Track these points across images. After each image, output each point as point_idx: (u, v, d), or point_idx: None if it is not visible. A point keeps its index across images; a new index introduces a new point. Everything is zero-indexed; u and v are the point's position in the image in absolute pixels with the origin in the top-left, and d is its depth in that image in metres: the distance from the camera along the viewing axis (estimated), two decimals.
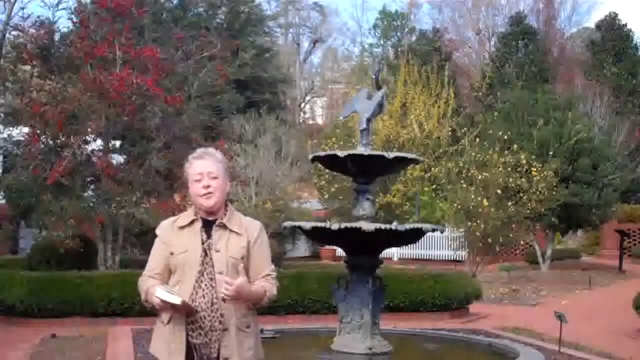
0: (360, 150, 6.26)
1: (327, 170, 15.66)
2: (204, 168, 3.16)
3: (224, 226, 3.17)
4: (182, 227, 3.18)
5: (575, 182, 18.85)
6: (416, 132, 22.99)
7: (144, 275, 3.20)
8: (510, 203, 16.56)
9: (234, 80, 23.47)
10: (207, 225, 3.17)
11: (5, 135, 13.84)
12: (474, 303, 11.41)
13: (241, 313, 3.11)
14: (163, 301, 2.98)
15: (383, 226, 5.89)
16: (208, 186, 3.14)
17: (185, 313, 3.05)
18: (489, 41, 40.14)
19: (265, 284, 3.19)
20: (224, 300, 3.02)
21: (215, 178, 3.15)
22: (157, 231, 3.25)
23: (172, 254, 3.13)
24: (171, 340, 3.08)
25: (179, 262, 3.11)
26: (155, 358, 3.19)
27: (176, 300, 2.96)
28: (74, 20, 12.81)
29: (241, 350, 3.09)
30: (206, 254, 3.11)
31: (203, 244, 3.13)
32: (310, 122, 45.30)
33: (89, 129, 11.79)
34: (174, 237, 3.16)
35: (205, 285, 3.07)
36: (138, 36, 14.61)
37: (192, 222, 3.18)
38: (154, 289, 3.04)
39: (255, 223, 3.30)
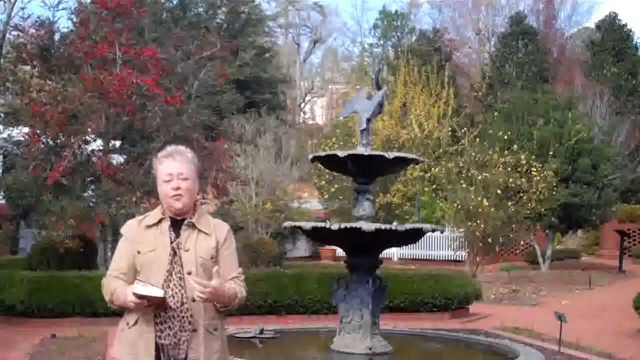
0: (360, 150, 6.27)
1: (327, 170, 15.65)
2: (174, 169, 3.09)
3: (192, 226, 3.11)
4: (149, 226, 3.11)
5: (575, 182, 18.86)
6: (416, 132, 23.01)
7: (108, 275, 3.13)
8: (510, 203, 16.56)
9: (234, 80, 23.49)
10: (175, 225, 3.10)
11: (5, 135, 13.86)
12: (474, 303, 11.41)
13: (210, 315, 3.04)
14: (140, 297, 2.88)
15: (383, 226, 5.90)
16: (177, 188, 3.07)
17: (155, 312, 2.98)
18: (489, 41, 40.13)
19: (236, 286, 3.11)
20: (193, 300, 2.97)
21: (185, 179, 3.08)
22: (123, 230, 3.17)
23: (138, 252, 3.05)
24: (138, 342, 2.99)
25: (146, 261, 3.03)
26: None
27: (158, 292, 2.88)
28: (74, 20, 12.83)
29: (208, 353, 3.02)
30: (175, 253, 3.04)
31: (171, 243, 3.06)
32: (310, 122, 45.29)
33: (89, 129, 11.80)
34: (141, 236, 3.09)
35: (175, 285, 3.00)
36: (138, 36, 14.63)
37: (159, 221, 3.12)
38: (125, 288, 2.95)
39: (224, 225, 3.23)
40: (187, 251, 3.05)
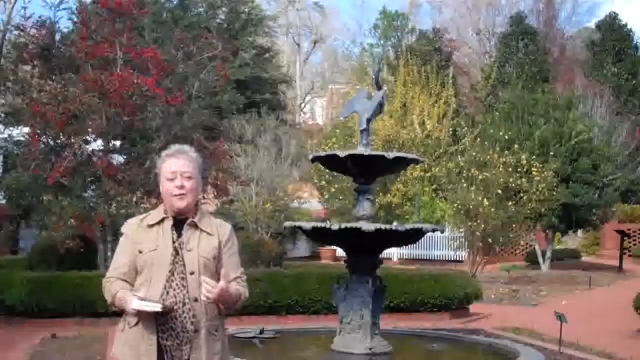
0: (361, 150, 6.27)
1: (327, 170, 15.66)
2: (178, 167, 3.07)
3: (195, 225, 3.09)
4: (150, 225, 3.09)
5: (576, 182, 18.87)
6: (417, 132, 23.02)
7: (108, 276, 3.10)
8: (510, 203, 16.57)
9: (234, 80, 23.46)
10: (177, 225, 3.09)
11: (5, 135, 13.86)
12: (474, 303, 11.41)
13: (211, 315, 3.03)
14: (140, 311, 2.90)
15: (383, 226, 5.90)
16: (182, 186, 3.05)
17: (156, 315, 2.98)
18: (489, 41, 40.13)
19: (239, 287, 3.12)
20: (195, 300, 2.97)
21: (189, 178, 3.07)
22: (124, 229, 3.15)
23: (140, 252, 3.03)
24: (140, 342, 2.97)
25: (148, 260, 3.02)
26: None
27: (157, 307, 2.86)
28: (75, 20, 12.83)
29: (209, 353, 3.01)
30: (177, 253, 3.02)
31: (174, 242, 3.04)
32: (310, 122, 45.27)
33: (90, 129, 11.80)
34: (143, 235, 3.07)
35: (177, 285, 2.98)
36: (139, 36, 14.62)
37: (161, 220, 3.10)
38: (127, 297, 2.94)
39: (226, 225, 3.21)
40: (189, 251, 3.04)
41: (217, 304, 3.01)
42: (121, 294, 2.99)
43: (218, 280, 2.97)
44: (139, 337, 2.98)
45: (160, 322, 2.97)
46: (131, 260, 3.06)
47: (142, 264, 3.04)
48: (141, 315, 2.95)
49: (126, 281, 3.06)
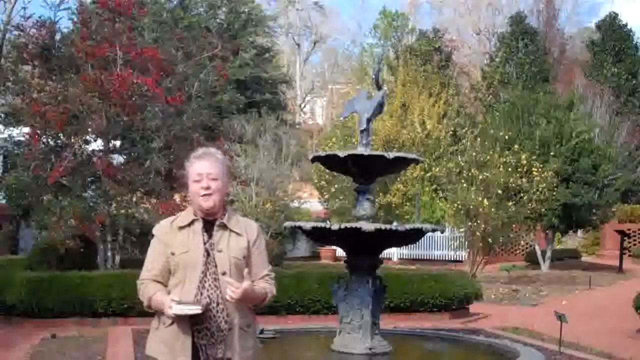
0: (361, 150, 6.27)
1: (327, 170, 15.66)
2: (204, 169, 3.14)
3: (224, 226, 3.16)
4: (181, 227, 3.15)
5: (576, 182, 18.86)
6: (417, 132, 23.02)
7: (142, 278, 3.16)
8: (510, 203, 16.57)
9: (234, 80, 23.49)
10: (207, 226, 3.16)
11: (5, 135, 13.87)
12: (474, 303, 11.41)
13: (243, 313, 3.12)
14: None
15: (383, 226, 5.91)
16: (207, 187, 3.12)
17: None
18: (489, 41, 40.13)
19: (266, 285, 3.20)
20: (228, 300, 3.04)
21: (214, 180, 3.13)
22: (155, 231, 3.22)
23: (172, 254, 3.10)
24: (175, 341, 3.05)
25: (180, 262, 3.08)
26: (153, 359, 3.14)
27: (197, 310, 2.94)
28: (75, 20, 12.84)
29: (242, 350, 3.09)
30: (209, 254, 3.09)
31: (205, 244, 3.11)
32: (310, 122, 45.29)
33: (90, 129, 11.80)
34: (174, 237, 3.14)
35: (210, 285, 3.06)
36: (139, 36, 14.63)
37: (192, 222, 3.17)
38: (165, 301, 2.99)
39: (254, 224, 3.30)
40: (220, 252, 3.11)
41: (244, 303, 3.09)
42: (159, 297, 3.06)
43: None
44: (174, 336, 3.05)
45: (195, 321, 3.03)
46: (163, 262, 3.13)
47: (175, 265, 3.11)
48: (178, 317, 3.00)
49: (160, 282, 3.12)
